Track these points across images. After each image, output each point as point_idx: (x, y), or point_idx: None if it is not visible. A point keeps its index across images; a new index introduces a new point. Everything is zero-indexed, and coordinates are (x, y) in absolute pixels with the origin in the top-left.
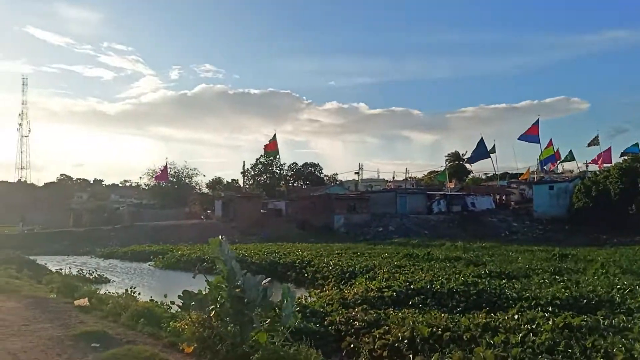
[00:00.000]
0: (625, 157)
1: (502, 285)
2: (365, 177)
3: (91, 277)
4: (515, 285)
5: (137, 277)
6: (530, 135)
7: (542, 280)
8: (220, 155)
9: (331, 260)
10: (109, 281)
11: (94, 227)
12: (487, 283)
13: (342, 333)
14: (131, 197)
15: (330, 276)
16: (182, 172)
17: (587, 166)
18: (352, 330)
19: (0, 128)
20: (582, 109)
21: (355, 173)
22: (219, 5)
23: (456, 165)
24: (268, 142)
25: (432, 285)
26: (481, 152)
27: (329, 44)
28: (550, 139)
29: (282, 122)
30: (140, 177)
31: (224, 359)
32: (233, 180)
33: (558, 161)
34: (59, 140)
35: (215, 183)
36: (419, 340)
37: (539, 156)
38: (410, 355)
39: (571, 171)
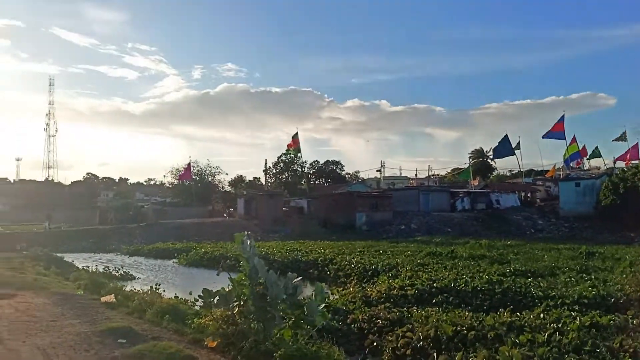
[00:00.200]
0: None
1: (528, 284)
2: (387, 174)
3: (117, 274)
4: (541, 284)
5: (161, 274)
6: (556, 132)
7: (568, 279)
8: (242, 154)
9: (353, 258)
10: (134, 278)
11: (119, 225)
12: (512, 281)
13: (365, 331)
14: (155, 195)
15: (353, 274)
16: (205, 171)
17: (614, 163)
18: (375, 328)
19: (29, 128)
20: (608, 104)
21: (377, 171)
22: (240, 4)
23: (480, 163)
24: (290, 140)
25: (456, 283)
26: (506, 148)
27: (350, 41)
28: (574, 136)
29: (303, 120)
30: (164, 176)
31: (247, 355)
32: (255, 178)
33: (584, 158)
34: (85, 139)
35: (238, 181)
36: (443, 339)
37: (564, 153)
38: (435, 354)
39: (598, 168)
